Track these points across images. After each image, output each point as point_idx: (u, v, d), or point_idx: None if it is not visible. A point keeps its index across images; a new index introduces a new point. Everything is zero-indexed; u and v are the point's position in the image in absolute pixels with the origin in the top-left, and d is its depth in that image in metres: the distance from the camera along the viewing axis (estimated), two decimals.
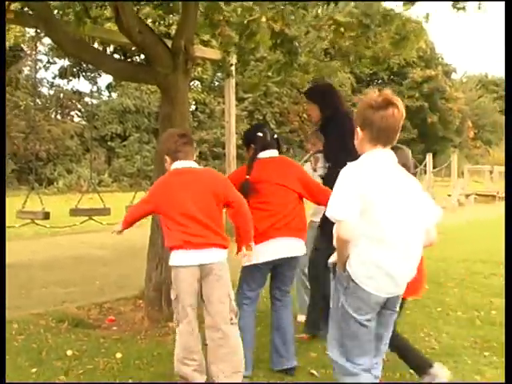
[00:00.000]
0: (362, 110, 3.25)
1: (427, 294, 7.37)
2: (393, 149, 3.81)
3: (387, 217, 3.10)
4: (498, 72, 74.70)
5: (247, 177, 4.58)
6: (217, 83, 38.17)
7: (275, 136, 4.89)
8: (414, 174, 4.12)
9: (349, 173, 3.13)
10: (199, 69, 33.54)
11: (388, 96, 3.17)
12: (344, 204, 3.03)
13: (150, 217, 4.86)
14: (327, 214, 3.10)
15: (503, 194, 27.34)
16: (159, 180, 4.31)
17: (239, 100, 40.19)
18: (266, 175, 4.61)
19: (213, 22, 7.07)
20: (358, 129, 3.26)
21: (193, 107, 36.11)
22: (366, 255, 3.12)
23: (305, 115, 41.99)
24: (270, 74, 7.99)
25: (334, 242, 3.23)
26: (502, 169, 30.80)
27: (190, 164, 4.27)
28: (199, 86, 37.47)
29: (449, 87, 54.23)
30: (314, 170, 5.72)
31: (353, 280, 3.16)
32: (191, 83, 36.43)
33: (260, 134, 4.76)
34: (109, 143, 34.65)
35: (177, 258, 4.08)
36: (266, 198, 4.53)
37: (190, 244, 4.00)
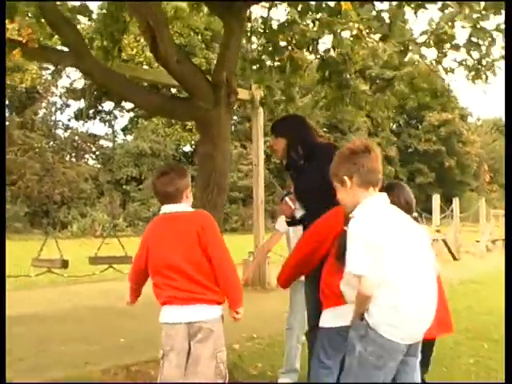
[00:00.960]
0: (345, 158, 3.35)
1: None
2: (394, 185, 4.18)
3: (401, 261, 3.17)
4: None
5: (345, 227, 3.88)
6: (233, 127, 37.91)
7: None
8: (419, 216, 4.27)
9: (361, 225, 3.19)
10: None
11: (364, 141, 3.37)
12: (363, 259, 3.10)
13: None
14: (346, 270, 3.17)
15: None
16: (148, 226, 3.99)
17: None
18: None
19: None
20: (346, 178, 3.31)
21: None
22: (383, 302, 3.14)
23: None
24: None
25: (349, 298, 3.33)
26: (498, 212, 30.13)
27: (178, 207, 3.82)
28: None
29: (466, 131, 53.90)
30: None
31: (371, 328, 3.17)
32: None
33: None
34: (124, 187, 34.23)
35: (165, 314, 3.77)
36: None
37: (177, 299, 3.69)
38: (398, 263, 3.16)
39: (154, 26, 5.09)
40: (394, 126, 52.68)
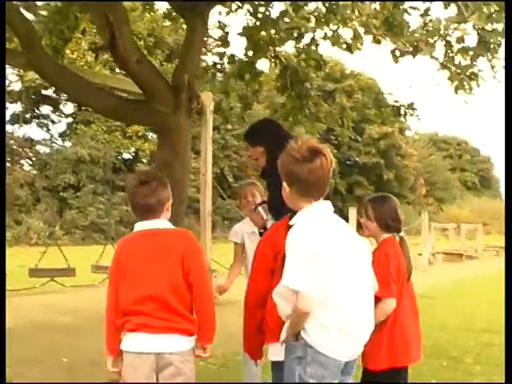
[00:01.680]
0: (286, 164, 3.04)
1: (448, 372, 6.63)
2: (382, 198, 4.03)
3: (343, 276, 2.94)
4: (448, 130, 76.39)
5: None
6: None
7: None
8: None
9: (300, 233, 2.92)
10: None
11: (312, 145, 2.99)
12: (302, 271, 2.81)
13: None
14: (283, 284, 2.84)
15: (471, 253, 27.12)
16: (120, 246, 3.54)
17: (196, 153, 39.49)
18: None
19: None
20: (285, 184, 3.04)
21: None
22: (327, 322, 2.89)
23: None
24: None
25: (283, 312, 3.01)
26: (470, 227, 30.67)
27: (159, 224, 3.40)
28: (155, 136, 36.50)
29: (404, 144, 54.74)
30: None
31: (311, 347, 2.91)
32: (147, 134, 35.58)
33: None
34: (61, 194, 33.20)
35: (130, 342, 3.30)
36: None
37: (147, 327, 3.24)
38: (340, 278, 2.92)
39: (114, 23, 4.70)
40: (334, 139, 52.99)
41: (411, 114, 6.48)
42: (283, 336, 3.04)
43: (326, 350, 2.91)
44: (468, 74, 4.54)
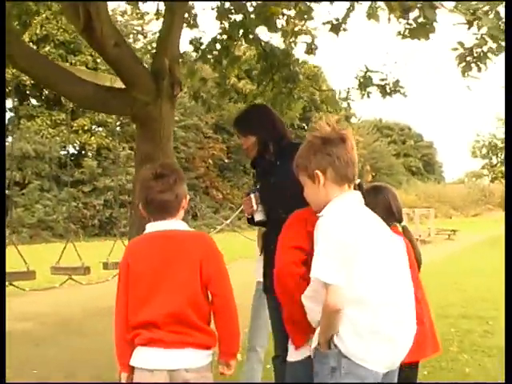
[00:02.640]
0: (317, 148, 2.79)
1: (436, 362, 6.41)
2: (374, 190, 3.80)
3: (375, 272, 2.64)
4: (392, 117, 77.24)
5: None
6: (118, 128, 36.59)
7: None
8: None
9: (332, 224, 2.66)
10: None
11: (337, 129, 2.84)
12: (333, 263, 2.55)
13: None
14: (312, 276, 2.60)
15: (424, 237, 27.34)
16: (129, 249, 3.14)
17: None
18: None
19: None
20: (318, 173, 2.77)
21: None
22: (361, 325, 2.59)
23: (210, 161, 41.06)
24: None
25: (313, 316, 2.75)
26: (423, 211, 30.98)
27: (176, 225, 3.01)
28: (101, 130, 35.68)
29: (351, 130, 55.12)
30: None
31: (345, 356, 2.59)
32: (93, 128, 34.72)
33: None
34: (6, 191, 32.05)
35: (140, 357, 2.94)
36: None
37: (161, 342, 2.88)
38: (376, 275, 2.65)
39: (91, 2, 4.22)
40: None
41: (398, 91, 6.18)
42: (314, 343, 2.73)
43: (363, 361, 2.60)
44: (477, 53, 4.26)
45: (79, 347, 7.52)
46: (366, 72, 6.21)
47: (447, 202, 58.43)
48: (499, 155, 32.98)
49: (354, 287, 2.59)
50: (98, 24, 4.32)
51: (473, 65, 4.40)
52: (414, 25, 4.55)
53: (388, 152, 69.22)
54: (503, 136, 31.45)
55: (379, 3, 4.39)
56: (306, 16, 5.54)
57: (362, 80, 6.21)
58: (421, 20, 4.46)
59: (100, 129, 35.55)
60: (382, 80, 6.19)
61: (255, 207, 3.98)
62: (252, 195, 4.01)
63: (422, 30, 4.45)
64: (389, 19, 4.48)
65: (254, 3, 6.08)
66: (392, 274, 2.72)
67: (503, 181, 29.30)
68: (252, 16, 5.99)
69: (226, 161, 42.90)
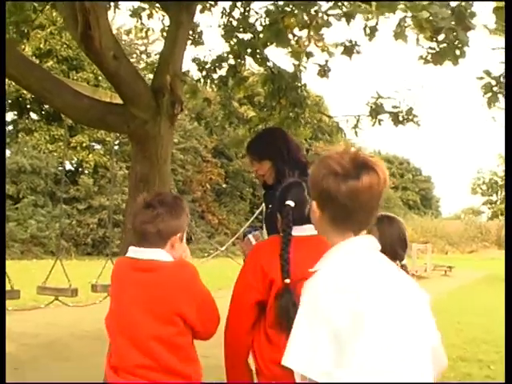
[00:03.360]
0: (319, 177, 2.02)
1: None
2: (388, 219, 3.37)
3: (380, 361, 1.84)
4: (391, 150, 77.23)
5: (286, 280, 2.70)
6: (116, 147, 36.39)
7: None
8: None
9: (322, 294, 1.90)
10: (102, 130, 31.82)
11: (360, 156, 1.99)
12: (319, 356, 1.84)
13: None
14: (285, 363, 1.88)
15: (420, 273, 26.93)
16: (116, 263, 2.88)
17: None
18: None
19: None
20: (314, 204, 2.07)
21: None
22: None
23: (207, 185, 40.82)
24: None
25: None
26: (419, 246, 30.57)
27: (153, 254, 2.66)
28: (99, 147, 35.45)
29: None
30: None
31: None
32: (91, 145, 34.48)
33: (290, 204, 2.85)
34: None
35: None
36: None
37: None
38: (386, 363, 1.87)
39: (91, 8, 3.92)
40: None
41: (411, 120, 5.86)
42: None
43: None
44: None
45: (61, 372, 7.15)
46: (377, 98, 5.91)
47: (443, 237, 58.06)
48: (499, 193, 32.80)
49: (353, 377, 1.86)
50: (96, 33, 4.02)
51: (500, 95, 4.09)
52: (437, 49, 4.26)
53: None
54: (503, 173, 31.31)
55: (408, 21, 4.05)
56: (323, 30, 5.09)
57: (373, 107, 5.91)
58: (443, 43, 4.16)
59: (98, 146, 35.29)
60: (395, 107, 5.88)
61: None
62: (250, 236, 3.68)
63: (451, 55, 4.13)
64: (417, 40, 4.14)
65: (263, 21, 5.83)
66: (410, 356, 1.93)
67: (502, 218, 29.06)
68: (261, 35, 5.72)
69: (224, 186, 42.67)
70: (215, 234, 40.10)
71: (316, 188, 2.06)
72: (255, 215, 15.95)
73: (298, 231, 2.77)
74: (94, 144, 34.70)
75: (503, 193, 29.76)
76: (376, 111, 5.93)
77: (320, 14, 4.22)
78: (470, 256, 50.32)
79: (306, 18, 4.29)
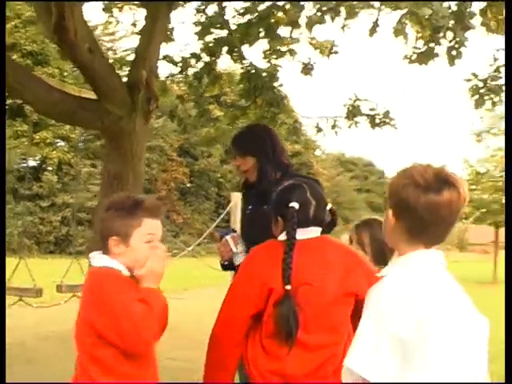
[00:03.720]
0: (400, 186, 2.08)
1: None
2: (373, 223, 3.39)
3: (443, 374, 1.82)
4: (355, 152, 77.68)
5: (287, 287, 2.57)
6: (81, 144, 35.92)
7: (327, 205, 2.90)
8: None
9: (391, 301, 1.92)
10: (67, 126, 31.32)
11: (443, 172, 2.05)
12: (381, 361, 1.86)
13: None
14: (347, 364, 1.91)
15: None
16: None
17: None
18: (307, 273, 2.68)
19: None
20: (390, 213, 2.09)
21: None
22: None
23: (172, 184, 40.57)
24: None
25: None
26: None
27: (94, 259, 2.51)
28: (64, 144, 34.95)
29: (315, 163, 55.16)
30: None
31: None
32: (56, 141, 33.98)
33: (295, 206, 2.72)
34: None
35: None
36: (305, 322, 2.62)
37: None
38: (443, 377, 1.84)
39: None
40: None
41: (388, 123, 5.80)
42: None
43: None
44: (491, 86, 3.91)
45: (25, 376, 6.96)
46: (355, 100, 5.84)
47: None
48: None
49: None
50: (71, 24, 3.86)
51: (486, 97, 4.04)
52: (423, 49, 4.19)
53: (350, 187, 69.54)
54: (468, 177, 31.62)
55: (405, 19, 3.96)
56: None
57: (350, 108, 5.84)
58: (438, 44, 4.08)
59: (62, 143, 34.78)
60: (372, 110, 5.82)
61: (235, 250, 3.50)
62: (228, 237, 3.53)
63: (448, 55, 4.06)
64: (416, 38, 4.03)
65: (238, 20, 5.72)
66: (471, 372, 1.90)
67: (466, 221, 29.42)
68: (237, 35, 5.61)
69: (189, 185, 42.47)
70: (180, 233, 39.86)
71: (395, 196, 2.09)
72: (222, 216, 15.76)
73: (301, 234, 2.68)
74: (58, 140, 34.20)
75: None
76: (353, 113, 5.86)
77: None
78: None
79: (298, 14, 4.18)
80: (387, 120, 5.79)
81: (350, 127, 5.93)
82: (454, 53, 4.01)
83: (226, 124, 6.80)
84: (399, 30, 3.90)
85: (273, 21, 4.38)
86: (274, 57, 5.79)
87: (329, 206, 2.89)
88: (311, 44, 5.02)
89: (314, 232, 2.74)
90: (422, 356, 1.85)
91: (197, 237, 37.42)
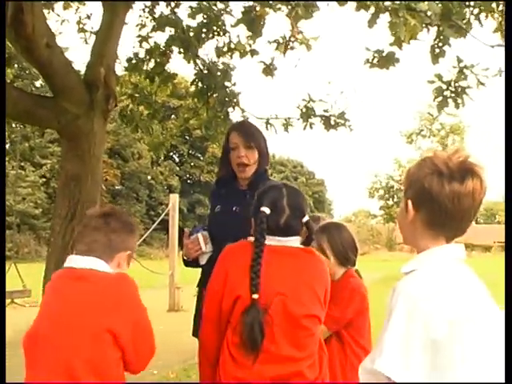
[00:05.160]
0: (421, 175, 1.95)
1: None
2: (336, 227, 3.45)
3: (471, 371, 1.78)
4: (285, 153, 78.07)
5: (254, 296, 2.47)
6: (8, 145, 34.86)
7: (304, 216, 2.68)
8: None
9: (418, 301, 1.81)
10: None
11: (466, 160, 1.92)
12: (410, 358, 1.77)
13: None
14: (377, 368, 1.78)
15: None
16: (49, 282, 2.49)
17: (35, 166, 37.10)
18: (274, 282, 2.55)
19: None
20: (410, 204, 1.95)
21: None
22: None
23: (103, 186, 39.93)
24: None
25: None
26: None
27: (89, 262, 2.38)
28: None
29: None
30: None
31: None
32: None
33: (266, 211, 2.57)
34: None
35: None
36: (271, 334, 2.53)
37: None
38: (472, 374, 1.81)
39: None
40: (176, 156, 52.40)
41: (342, 125, 5.76)
42: None
43: None
44: (455, 88, 3.92)
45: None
46: (308, 101, 5.79)
47: None
48: (395, 197, 33.63)
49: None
50: (29, 18, 3.67)
51: (450, 100, 4.06)
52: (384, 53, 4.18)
53: None
54: (399, 178, 32.19)
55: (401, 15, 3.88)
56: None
57: (303, 110, 5.78)
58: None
59: None
60: (326, 111, 5.78)
61: (204, 248, 3.37)
62: (199, 234, 3.38)
63: (432, 54, 4.04)
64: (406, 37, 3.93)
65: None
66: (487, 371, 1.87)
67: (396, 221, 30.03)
68: (191, 34, 5.49)
69: (119, 187, 41.88)
70: None
71: (415, 186, 1.96)
72: (160, 218, 15.56)
73: (272, 241, 2.54)
74: None
75: (399, 197, 30.67)
76: (307, 114, 5.81)
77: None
78: (362, 258, 51.33)
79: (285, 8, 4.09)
80: (342, 121, 5.76)
81: (304, 129, 5.86)
82: (437, 51, 4.02)
83: (178, 126, 6.67)
84: (396, 24, 3.84)
85: (257, 14, 4.27)
86: (229, 54, 5.69)
87: (306, 218, 2.67)
88: (295, 38, 4.92)
89: (290, 242, 2.60)
90: (453, 356, 1.79)
91: None
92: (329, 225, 3.55)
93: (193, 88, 5.91)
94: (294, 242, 2.62)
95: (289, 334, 2.50)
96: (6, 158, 28.98)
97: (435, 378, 1.79)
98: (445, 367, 1.79)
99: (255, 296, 2.43)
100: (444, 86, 4.08)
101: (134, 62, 5.63)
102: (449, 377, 1.79)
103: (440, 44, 3.98)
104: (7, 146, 33.53)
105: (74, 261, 2.38)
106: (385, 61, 4.25)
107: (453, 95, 4.03)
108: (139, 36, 5.91)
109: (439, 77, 4.09)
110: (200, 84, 5.82)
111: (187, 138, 47.80)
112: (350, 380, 3.14)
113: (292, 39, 5.04)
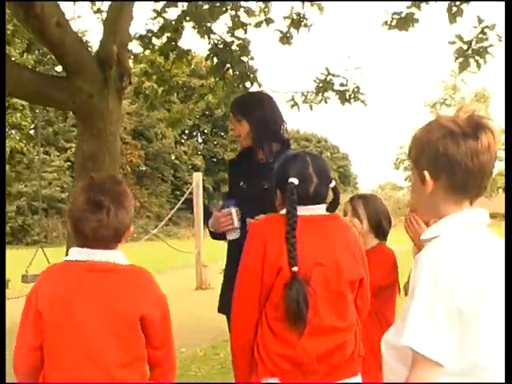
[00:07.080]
0: (433, 140, 1.83)
1: None
2: (372, 196, 3.61)
3: (492, 337, 1.76)
4: (309, 128, 77.65)
5: (294, 268, 2.42)
6: (32, 131, 35.24)
7: (331, 182, 2.63)
8: None
9: (443, 269, 1.74)
10: (18, 114, 30.55)
11: (475, 116, 1.82)
12: (439, 331, 1.71)
13: None
14: (404, 343, 1.74)
15: None
16: (41, 278, 2.34)
17: (60, 150, 37.40)
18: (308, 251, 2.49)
19: None
20: (427, 175, 1.83)
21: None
22: None
23: (128, 167, 40.10)
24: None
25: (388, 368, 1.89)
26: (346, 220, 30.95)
27: (108, 256, 2.26)
28: (16, 133, 34.13)
29: None
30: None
31: None
32: (7, 130, 33.16)
33: (294, 181, 2.51)
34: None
35: None
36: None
37: None
38: (492, 344, 1.79)
39: None
40: (199, 135, 52.45)
41: (358, 99, 5.68)
42: None
43: None
44: (477, 48, 3.83)
45: None
46: (327, 75, 5.70)
47: None
48: None
49: (461, 356, 1.78)
50: None
51: (471, 60, 3.96)
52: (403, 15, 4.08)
53: None
54: None
55: None
56: None
57: (320, 84, 5.70)
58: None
59: (13, 131, 34.01)
60: (342, 85, 5.69)
61: (236, 224, 3.32)
62: (233, 210, 3.32)
63: (449, 13, 3.94)
64: None
65: None
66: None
67: None
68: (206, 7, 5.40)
69: (144, 168, 42.04)
70: (137, 217, 39.49)
71: (429, 153, 1.85)
72: (184, 197, 15.56)
73: (303, 211, 2.49)
74: (9, 129, 33.46)
75: None
76: (324, 88, 5.73)
77: None
78: (391, 230, 51.50)
79: None
80: (357, 95, 5.69)
81: (319, 103, 5.79)
82: (454, 9, 3.91)
83: (193, 103, 6.63)
84: None
85: None
86: (244, 29, 5.61)
87: (332, 184, 2.63)
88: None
89: (319, 209, 2.57)
90: (480, 324, 1.75)
91: (154, 220, 37.10)
92: (363, 195, 3.67)
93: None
94: (322, 209, 2.58)
95: (331, 304, 2.48)
96: (31, 144, 29.18)
97: (466, 347, 1.74)
98: (473, 336, 1.74)
99: (295, 269, 2.39)
100: (465, 47, 3.99)
101: (146, 37, 5.56)
102: (478, 346, 1.75)
103: (457, 3, 3.88)
104: (32, 131, 33.76)
105: (89, 254, 2.25)
106: (403, 22, 4.17)
107: (474, 55, 3.95)
108: (154, 10, 5.82)
109: (460, 37, 4.00)
110: (215, 59, 5.75)
111: (210, 116, 47.67)
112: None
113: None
